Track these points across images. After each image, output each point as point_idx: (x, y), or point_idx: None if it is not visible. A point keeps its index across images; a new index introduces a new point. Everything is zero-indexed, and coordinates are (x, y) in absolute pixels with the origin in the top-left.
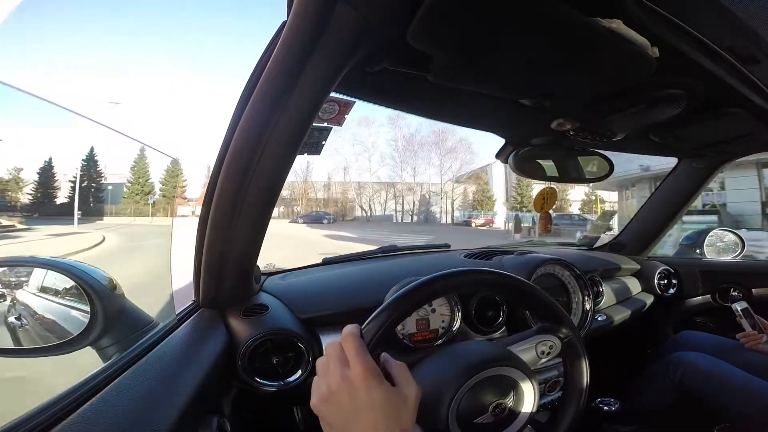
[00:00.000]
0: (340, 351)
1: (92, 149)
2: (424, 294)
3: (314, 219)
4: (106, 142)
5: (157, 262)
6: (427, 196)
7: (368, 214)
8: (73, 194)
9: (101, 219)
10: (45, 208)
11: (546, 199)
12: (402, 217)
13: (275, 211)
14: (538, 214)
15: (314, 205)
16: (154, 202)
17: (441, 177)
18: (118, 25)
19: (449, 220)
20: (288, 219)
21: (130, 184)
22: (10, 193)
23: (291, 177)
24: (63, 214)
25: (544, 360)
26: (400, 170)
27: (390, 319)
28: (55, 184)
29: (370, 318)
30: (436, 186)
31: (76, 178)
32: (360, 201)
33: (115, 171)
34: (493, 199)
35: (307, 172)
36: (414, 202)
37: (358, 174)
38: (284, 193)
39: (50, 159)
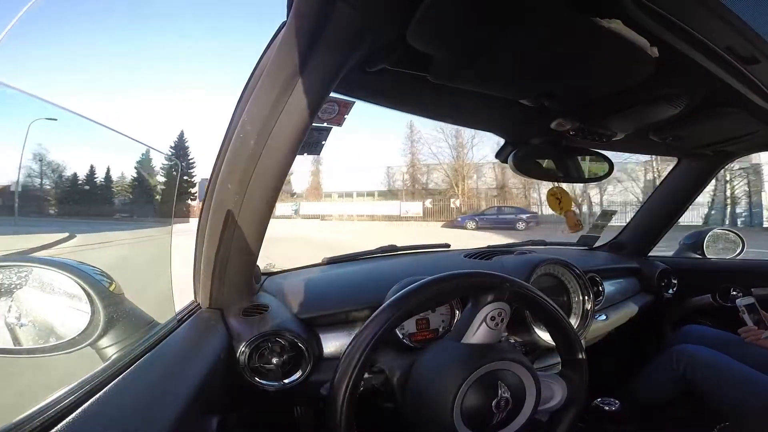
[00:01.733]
0: None
1: (182, 134)
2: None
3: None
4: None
5: None
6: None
7: (583, 208)
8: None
9: (187, 222)
10: (141, 209)
11: (560, 199)
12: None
13: (419, 209)
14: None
15: (478, 198)
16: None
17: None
18: (115, 24)
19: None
20: (440, 221)
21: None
22: (129, 194)
23: (442, 150)
24: (165, 215)
25: (503, 326)
26: None
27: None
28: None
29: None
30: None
31: None
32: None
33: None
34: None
35: (458, 145)
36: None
37: None
38: (421, 178)
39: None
